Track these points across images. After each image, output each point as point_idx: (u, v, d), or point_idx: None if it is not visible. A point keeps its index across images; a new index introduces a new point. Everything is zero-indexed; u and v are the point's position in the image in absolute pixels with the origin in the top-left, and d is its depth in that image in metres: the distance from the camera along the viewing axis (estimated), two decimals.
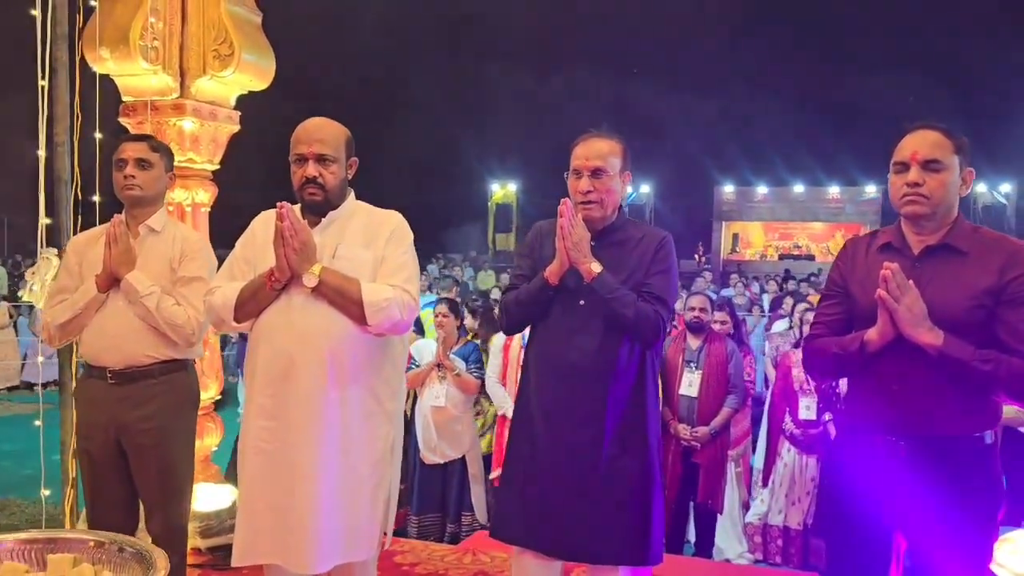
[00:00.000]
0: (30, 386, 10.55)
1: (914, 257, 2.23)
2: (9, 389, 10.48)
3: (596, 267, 2.52)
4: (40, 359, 4.66)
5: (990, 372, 2.06)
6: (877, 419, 2.21)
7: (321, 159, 2.53)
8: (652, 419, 2.62)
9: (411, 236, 2.67)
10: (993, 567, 2.28)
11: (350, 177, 2.66)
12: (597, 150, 2.58)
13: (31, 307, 10.68)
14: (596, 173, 2.57)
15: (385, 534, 2.65)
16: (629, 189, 2.70)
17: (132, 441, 2.85)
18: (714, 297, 6.21)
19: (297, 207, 2.60)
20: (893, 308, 2.10)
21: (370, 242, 2.59)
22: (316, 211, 2.57)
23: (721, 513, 5.03)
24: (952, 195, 2.21)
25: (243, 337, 8.76)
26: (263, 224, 2.67)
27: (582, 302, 2.58)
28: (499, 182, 29.87)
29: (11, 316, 10.16)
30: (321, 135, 2.56)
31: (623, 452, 2.56)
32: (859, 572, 2.26)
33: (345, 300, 2.45)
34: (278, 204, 2.43)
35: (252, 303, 2.51)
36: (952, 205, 2.23)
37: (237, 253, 2.67)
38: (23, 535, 1.63)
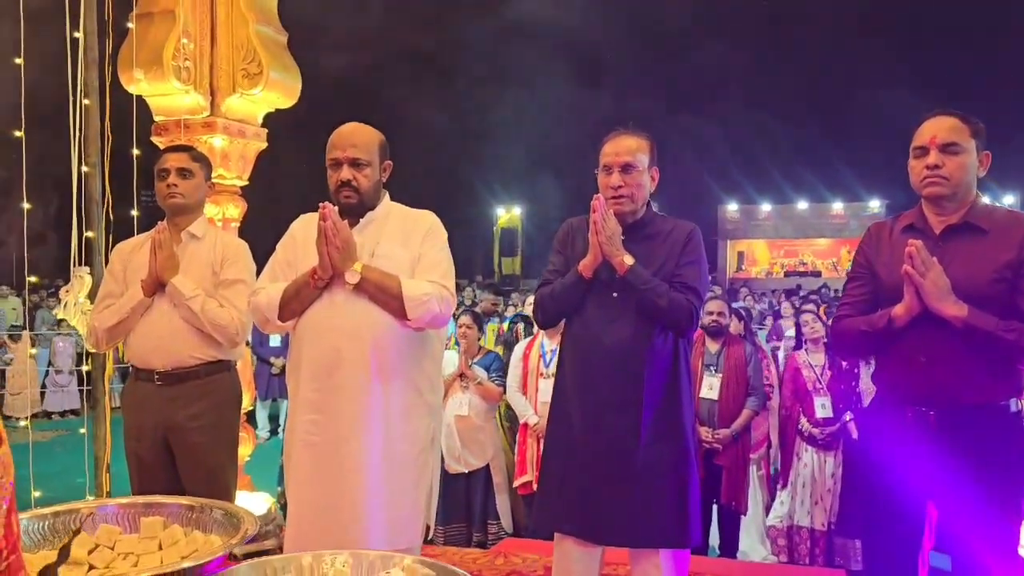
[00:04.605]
0: (48, 415, 10.65)
1: (936, 237, 2.33)
2: (30, 417, 10.57)
3: (628, 260, 2.61)
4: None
5: (1014, 341, 2.15)
6: (906, 391, 2.30)
7: (355, 163, 2.63)
8: (686, 405, 2.70)
9: (445, 234, 2.77)
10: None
11: (384, 180, 2.75)
12: (626, 146, 2.68)
13: (51, 337, 10.81)
14: (626, 168, 2.66)
15: (428, 526, 2.72)
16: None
17: (180, 440, 2.94)
18: None
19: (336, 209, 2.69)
20: (919, 283, 2.19)
21: (406, 241, 2.69)
22: (351, 213, 2.66)
23: (745, 514, 5.07)
24: (971, 176, 2.31)
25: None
26: (302, 227, 2.77)
27: (615, 294, 2.67)
28: (504, 207, 30.05)
29: (32, 345, 10.27)
30: (355, 140, 2.66)
31: (660, 438, 2.63)
32: (893, 543, 2.33)
33: (386, 296, 2.53)
34: (320, 205, 2.52)
35: (296, 302, 2.60)
36: (971, 186, 2.33)
37: (278, 255, 2.76)
38: (124, 500, 1.72)
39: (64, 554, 1.10)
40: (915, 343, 2.26)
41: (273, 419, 9.55)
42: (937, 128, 2.30)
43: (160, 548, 1.53)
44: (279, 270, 2.72)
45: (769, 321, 9.89)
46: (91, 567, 1.45)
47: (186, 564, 1.31)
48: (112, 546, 1.51)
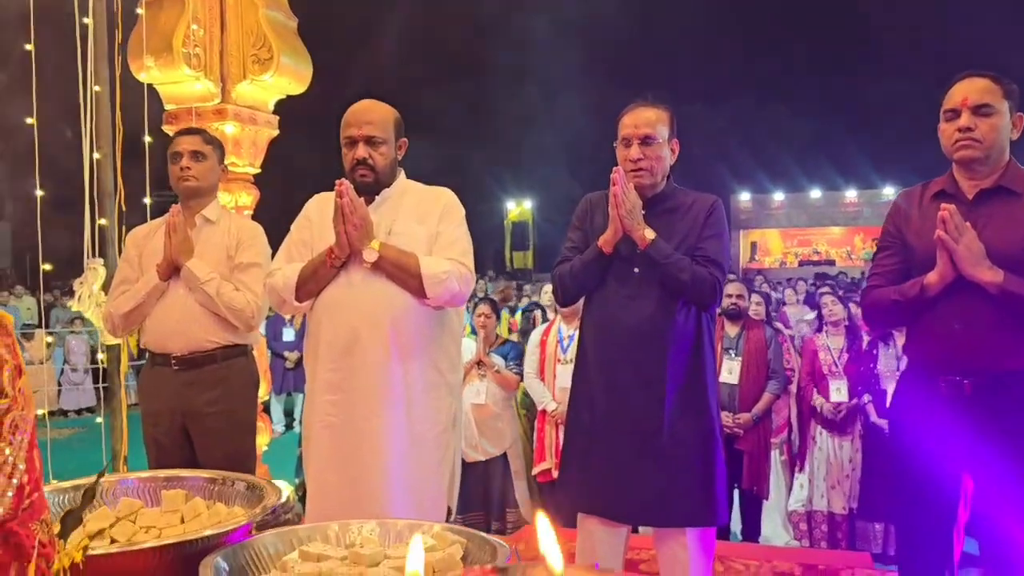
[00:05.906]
0: (65, 412, 10.69)
1: (968, 202, 2.27)
2: (47, 415, 10.61)
3: (650, 234, 2.55)
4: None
5: None
6: (940, 360, 2.24)
7: (370, 141, 2.58)
8: (711, 381, 2.64)
9: (463, 211, 2.71)
10: None
11: (400, 158, 2.70)
12: (645, 118, 2.62)
13: (65, 336, 10.85)
14: (646, 140, 2.60)
15: (450, 508, 2.68)
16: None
17: (198, 425, 2.91)
18: None
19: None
20: (952, 248, 2.13)
21: (423, 218, 2.64)
22: (367, 191, 2.61)
23: (767, 499, 5.01)
24: (1004, 139, 2.25)
25: None
26: (317, 206, 2.72)
27: (636, 270, 2.61)
28: (514, 200, 29.97)
29: (48, 345, 10.31)
30: (370, 117, 2.61)
31: (684, 415, 2.58)
32: (928, 516, 2.27)
33: (404, 274, 2.49)
34: (337, 182, 2.48)
35: (313, 282, 2.56)
36: (1004, 149, 2.26)
37: (293, 236, 2.71)
38: (145, 474, 1.70)
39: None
40: (949, 311, 2.19)
41: (288, 413, 9.55)
42: (969, 89, 2.24)
43: (182, 521, 1.50)
44: (295, 250, 2.68)
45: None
46: (113, 540, 1.41)
47: (209, 532, 1.28)
48: (134, 519, 1.48)
